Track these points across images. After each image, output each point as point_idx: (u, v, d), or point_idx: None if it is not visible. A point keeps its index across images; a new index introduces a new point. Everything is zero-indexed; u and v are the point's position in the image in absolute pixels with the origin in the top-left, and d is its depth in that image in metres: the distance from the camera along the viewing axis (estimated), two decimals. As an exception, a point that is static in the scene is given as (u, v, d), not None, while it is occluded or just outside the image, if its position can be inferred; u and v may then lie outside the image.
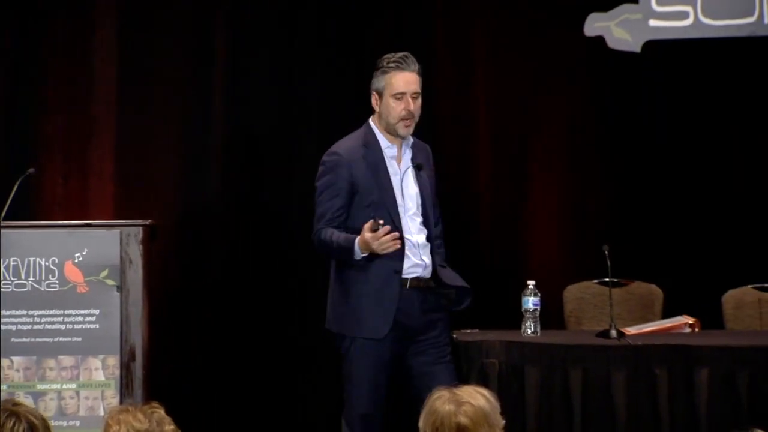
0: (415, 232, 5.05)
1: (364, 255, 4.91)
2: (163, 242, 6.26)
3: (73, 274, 5.70)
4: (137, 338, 5.67)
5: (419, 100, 5.06)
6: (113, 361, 5.67)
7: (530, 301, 5.50)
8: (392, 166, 5.07)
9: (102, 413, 5.57)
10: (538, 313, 5.51)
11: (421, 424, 3.34)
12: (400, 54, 5.07)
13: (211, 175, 6.86)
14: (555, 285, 6.36)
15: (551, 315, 6.02)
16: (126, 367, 5.65)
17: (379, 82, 5.06)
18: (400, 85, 5.02)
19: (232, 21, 6.91)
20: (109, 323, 5.68)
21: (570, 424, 5.24)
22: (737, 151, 6.75)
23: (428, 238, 5.09)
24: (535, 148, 6.86)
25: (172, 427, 3.32)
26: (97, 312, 5.70)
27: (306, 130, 6.85)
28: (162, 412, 3.33)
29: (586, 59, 6.85)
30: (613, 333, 5.42)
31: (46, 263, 5.71)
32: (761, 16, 6.73)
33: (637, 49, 6.80)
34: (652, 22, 6.82)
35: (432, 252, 5.10)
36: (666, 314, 6.19)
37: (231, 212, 6.86)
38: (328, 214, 5.01)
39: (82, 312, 5.70)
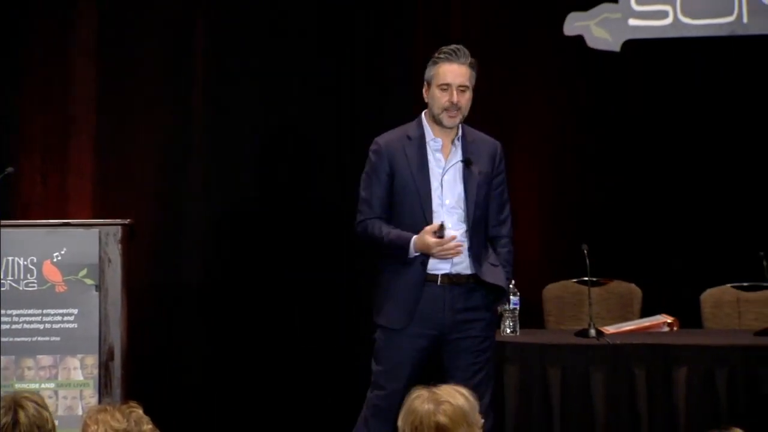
0: (450, 225, 4.98)
1: (416, 254, 4.90)
2: (142, 241, 6.24)
3: (52, 273, 5.67)
4: (116, 338, 5.63)
5: (467, 94, 5.03)
6: (92, 360, 5.64)
7: (510, 301, 5.51)
8: (436, 159, 5.05)
9: (80, 413, 5.54)
10: (517, 312, 5.53)
11: (400, 423, 3.33)
12: (453, 46, 5.07)
13: (190, 175, 6.85)
14: (534, 284, 6.37)
15: (530, 314, 6.02)
16: (104, 367, 5.62)
17: (429, 71, 5.07)
18: (447, 77, 5.01)
19: (212, 21, 6.90)
20: (88, 323, 5.64)
21: (549, 423, 5.25)
22: (717, 150, 6.76)
23: (471, 235, 5.00)
24: (515, 147, 6.85)
25: (150, 426, 3.31)
26: (75, 311, 5.66)
27: (287, 130, 6.85)
28: (140, 411, 3.32)
29: (565, 59, 6.86)
30: (592, 332, 5.43)
31: (25, 262, 5.68)
32: (740, 15, 6.74)
33: (617, 48, 6.82)
34: (632, 22, 6.84)
35: (477, 247, 5.00)
36: (645, 313, 6.21)
37: (210, 211, 6.84)
38: (371, 201, 5.01)
39: (61, 311, 5.67)
